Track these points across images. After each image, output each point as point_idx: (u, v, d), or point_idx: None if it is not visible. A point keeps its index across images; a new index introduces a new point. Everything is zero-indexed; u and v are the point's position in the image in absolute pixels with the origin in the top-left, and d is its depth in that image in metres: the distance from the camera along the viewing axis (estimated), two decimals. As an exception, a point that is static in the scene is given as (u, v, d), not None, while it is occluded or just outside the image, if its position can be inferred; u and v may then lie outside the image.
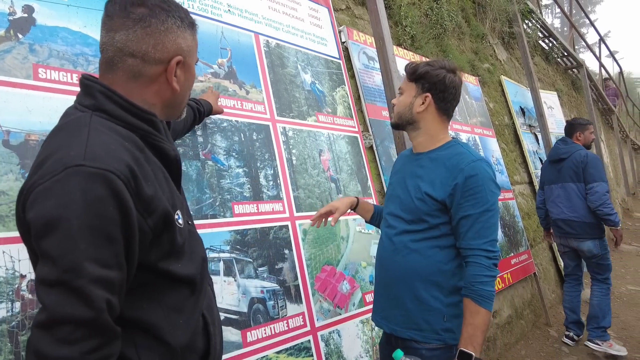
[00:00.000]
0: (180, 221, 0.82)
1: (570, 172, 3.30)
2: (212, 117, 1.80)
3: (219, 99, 1.77)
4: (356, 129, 2.48)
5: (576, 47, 10.71)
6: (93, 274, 0.64)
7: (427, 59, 3.46)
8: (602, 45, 11.77)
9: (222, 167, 1.75)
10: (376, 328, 2.09)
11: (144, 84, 0.82)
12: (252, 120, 1.92)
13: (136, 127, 0.79)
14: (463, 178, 1.28)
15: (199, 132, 1.73)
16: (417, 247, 1.36)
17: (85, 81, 0.80)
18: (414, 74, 1.41)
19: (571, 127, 3.53)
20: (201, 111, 1.54)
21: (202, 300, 0.91)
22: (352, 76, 2.68)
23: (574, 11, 11.21)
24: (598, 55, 11.31)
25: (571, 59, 8.01)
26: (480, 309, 1.24)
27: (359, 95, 2.67)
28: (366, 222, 1.79)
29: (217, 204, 1.67)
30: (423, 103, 1.40)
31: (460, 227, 1.30)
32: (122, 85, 0.80)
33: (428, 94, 1.39)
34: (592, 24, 11.39)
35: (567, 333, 3.58)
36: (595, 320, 3.35)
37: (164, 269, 0.78)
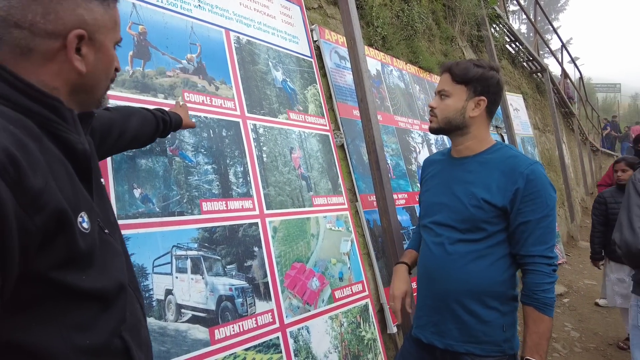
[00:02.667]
0: (85, 225, 0.70)
1: None
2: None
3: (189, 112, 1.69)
4: (327, 127, 2.50)
5: (541, 52, 11.12)
6: None
7: (398, 59, 3.53)
8: (565, 52, 12.30)
9: (190, 163, 1.73)
10: (345, 324, 2.12)
11: (37, 63, 0.70)
12: (222, 117, 1.90)
13: (33, 111, 0.68)
14: (524, 182, 1.22)
15: (166, 128, 1.70)
16: (474, 257, 1.28)
17: None
18: (466, 76, 1.31)
19: None
20: (166, 121, 1.45)
21: (120, 319, 0.79)
22: (324, 75, 2.70)
23: (539, 18, 11.65)
24: (560, 61, 11.81)
25: (536, 64, 8.33)
26: (544, 317, 1.21)
27: (330, 94, 2.69)
28: None
29: (184, 201, 1.65)
30: (476, 107, 1.32)
31: (520, 233, 1.24)
32: (10, 63, 0.68)
33: (483, 98, 1.31)
34: (555, 31, 11.88)
35: None
36: None
37: (59, 280, 0.65)
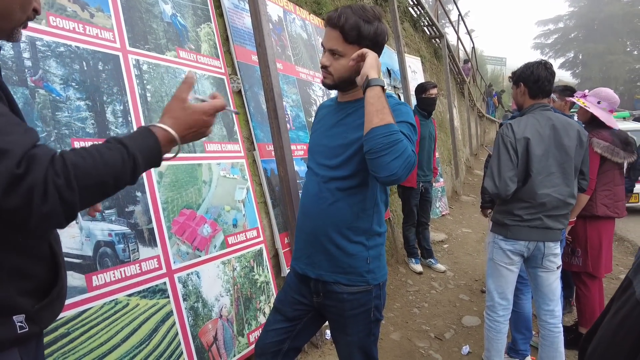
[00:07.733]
0: None
1: None
2: (45, 39, 1.55)
3: None
4: (222, 70, 2.39)
5: (443, 21, 11.77)
6: None
7: (301, 8, 3.46)
8: (462, 22, 13.17)
9: (58, 97, 1.54)
10: (238, 268, 2.14)
11: None
12: (98, 48, 1.71)
13: None
14: None
15: (25, 55, 1.48)
16: (342, 195, 1.36)
17: None
18: (359, 36, 1.30)
19: None
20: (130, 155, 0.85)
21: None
22: (220, 15, 2.54)
23: (442, -14, 12.20)
24: (457, 30, 12.65)
25: (435, 29, 8.81)
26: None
27: (227, 36, 2.55)
28: None
29: (52, 139, 1.48)
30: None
31: None
32: None
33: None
34: (454, 2, 12.59)
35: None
36: None
37: None
